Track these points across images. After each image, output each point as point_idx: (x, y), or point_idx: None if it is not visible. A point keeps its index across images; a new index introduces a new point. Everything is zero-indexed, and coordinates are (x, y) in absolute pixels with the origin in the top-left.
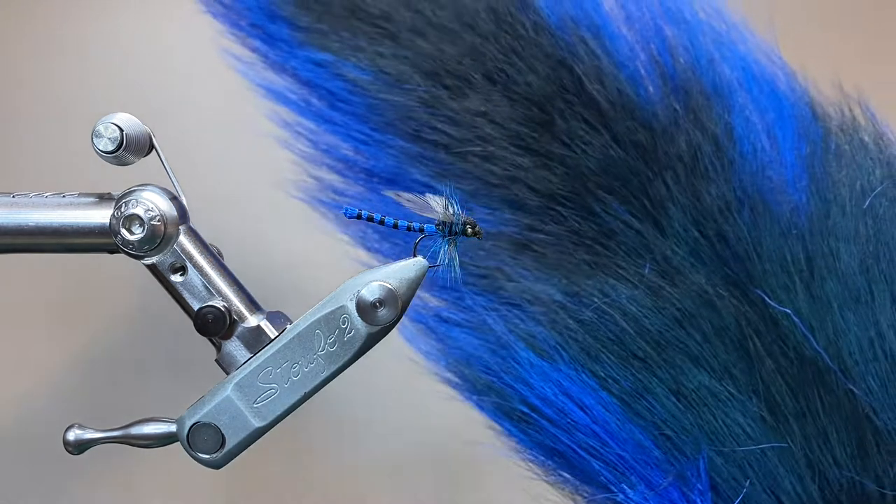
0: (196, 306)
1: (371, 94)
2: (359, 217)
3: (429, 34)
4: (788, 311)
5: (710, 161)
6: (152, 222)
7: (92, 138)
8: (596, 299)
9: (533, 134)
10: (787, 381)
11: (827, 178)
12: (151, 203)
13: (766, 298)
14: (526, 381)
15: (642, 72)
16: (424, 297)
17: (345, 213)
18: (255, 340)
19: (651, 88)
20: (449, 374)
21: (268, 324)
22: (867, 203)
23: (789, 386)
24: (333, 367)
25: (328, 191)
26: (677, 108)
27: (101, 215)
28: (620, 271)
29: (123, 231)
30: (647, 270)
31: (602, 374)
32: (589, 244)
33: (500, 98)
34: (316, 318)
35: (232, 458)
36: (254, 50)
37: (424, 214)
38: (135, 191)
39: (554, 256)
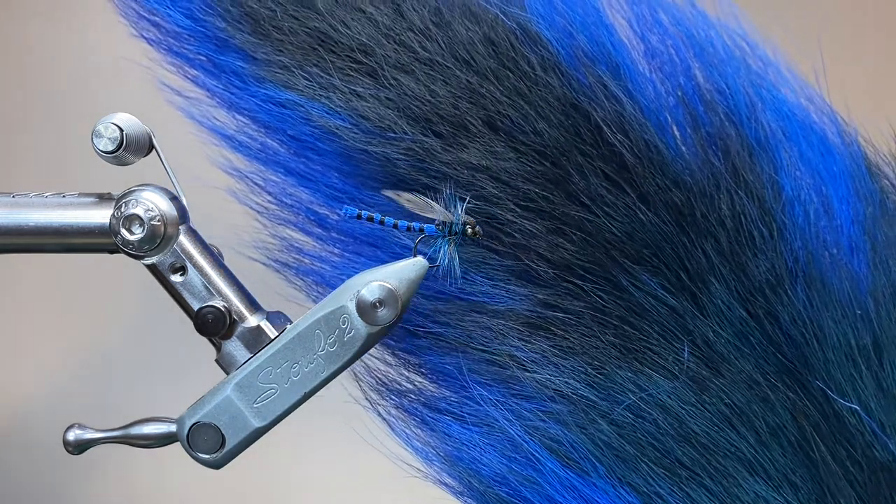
0: (196, 306)
1: (347, 142)
2: (359, 217)
3: (416, 71)
4: (855, 406)
5: (756, 227)
6: (152, 222)
7: (92, 138)
8: (630, 394)
9: (545, 193)
10: (857, 490)
11: (890, 247)
12: (151, 203)
13: (829, 392)
14: (552, 499)
15: (670, 119)
16: (418, 381)
17: (344, 213)
18: (255, 340)
19: (683, 140)
20: (451, 481)
21: (268, 324)
22: None
23: (859, 495)
24: (333, 367)
25: (292, 252)
26: (715, 163)
27: (101, 215)
28: (656, 358)
29: (123, 231)
30: (685, 356)
31: (644, 489)
32: (616, 324)
33: (505, 149)
34: (316, 318)
35: (232, 458)
36: (199, 84)
37: (424, 214)
38: (135, 191)
39: (576, 340)
